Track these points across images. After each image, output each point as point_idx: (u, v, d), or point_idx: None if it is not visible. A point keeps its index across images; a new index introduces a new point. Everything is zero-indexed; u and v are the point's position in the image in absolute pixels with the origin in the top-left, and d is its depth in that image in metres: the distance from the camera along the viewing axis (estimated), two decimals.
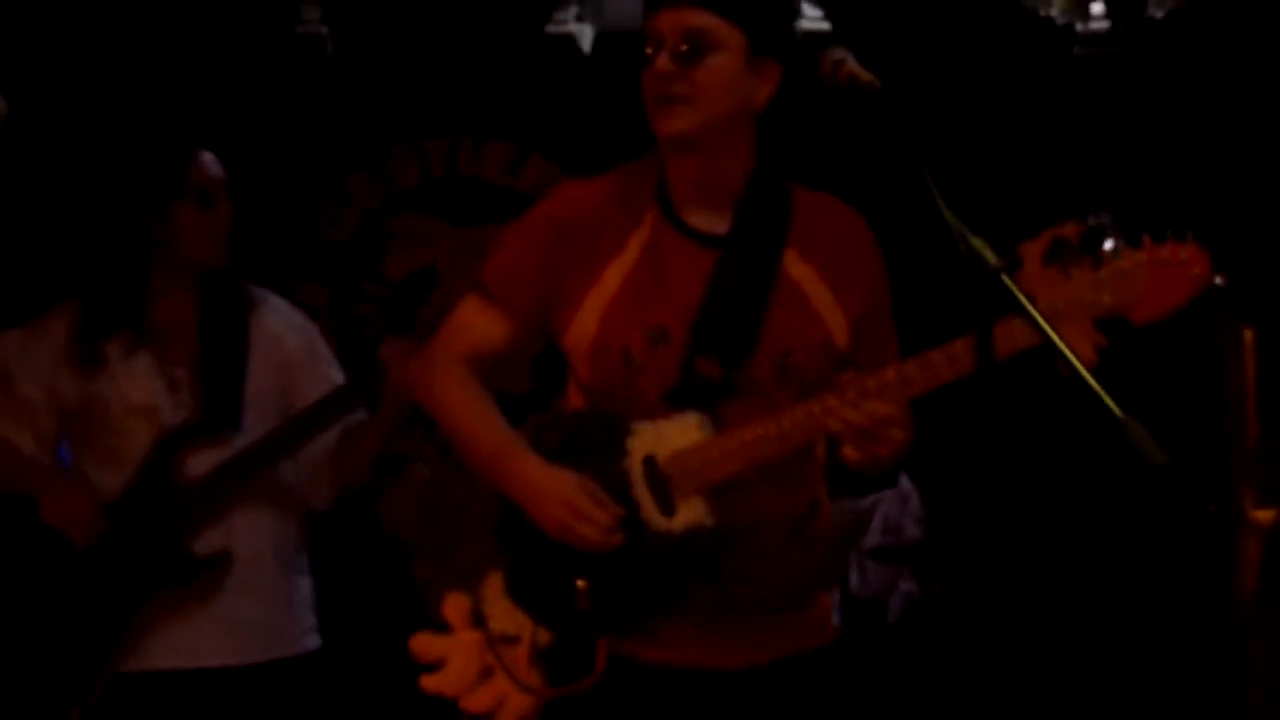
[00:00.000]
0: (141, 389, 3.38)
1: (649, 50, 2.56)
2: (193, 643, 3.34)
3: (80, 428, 3.42)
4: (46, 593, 3.35)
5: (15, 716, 3.32)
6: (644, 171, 2.69)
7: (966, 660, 4.55)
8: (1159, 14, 4.39)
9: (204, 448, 3.35)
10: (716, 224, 2.64)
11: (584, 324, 2.64)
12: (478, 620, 2.71)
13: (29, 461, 3.40)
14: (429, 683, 2.72)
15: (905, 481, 4.45)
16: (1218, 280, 2.40)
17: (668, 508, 2.56)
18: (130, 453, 3.36)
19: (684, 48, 2.53)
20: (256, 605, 3.38)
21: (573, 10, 4.56)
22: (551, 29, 4.55)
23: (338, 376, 3.49)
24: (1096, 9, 4.43)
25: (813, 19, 4.45)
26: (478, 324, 2.74)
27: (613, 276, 2.64)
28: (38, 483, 3.37)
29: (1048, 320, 2.22)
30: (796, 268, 2.64)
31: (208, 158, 3.40)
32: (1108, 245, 2.40)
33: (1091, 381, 2.05)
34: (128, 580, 3.33)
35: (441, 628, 2.73)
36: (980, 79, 4.68)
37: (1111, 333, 2.41)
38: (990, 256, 2.19)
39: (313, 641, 3.48)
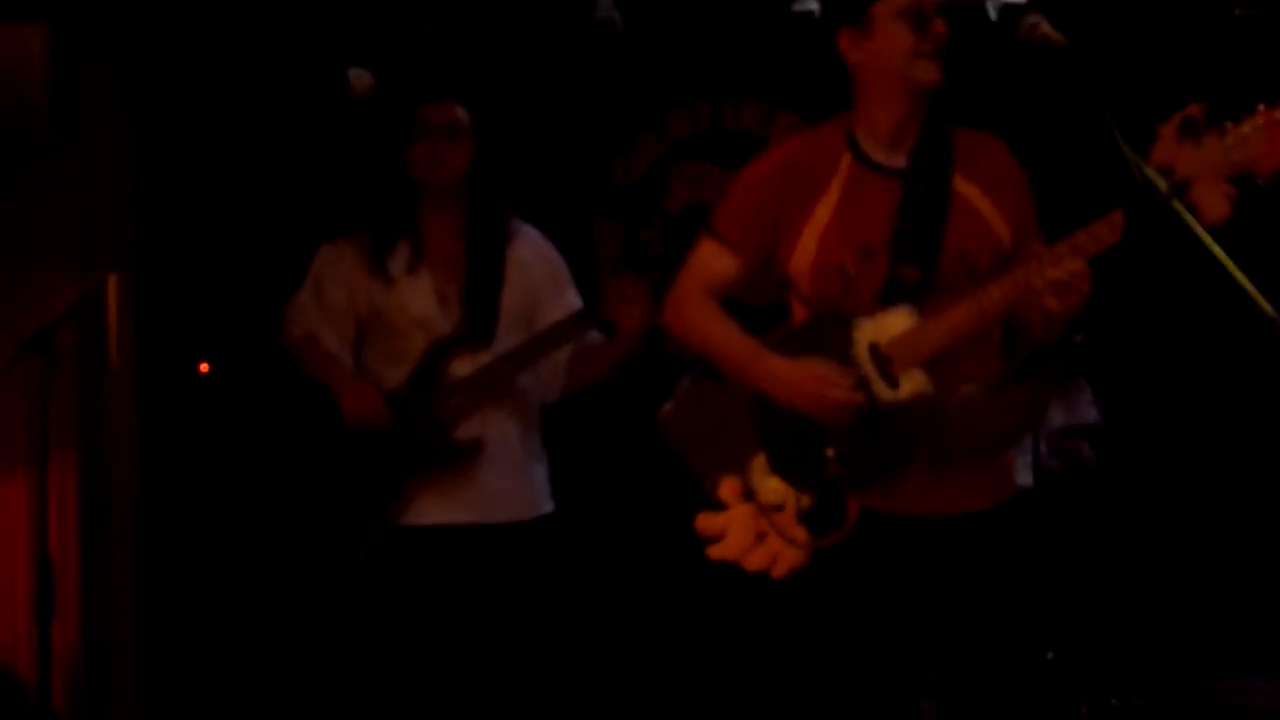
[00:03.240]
0: (420, 303, 3.66)
1: (908, 19, 2.81)
2: (453, 503, 3.63)
3: (371, 332, 3.71)
4: (344, 462, 3.67)
5: (320, 553, 3.70)
6: (832, 129, 2.94)
7: (1125, 528, 4.95)
8: None
9: (466, 354, 3.65)
10: (897, 160, 2.88)
11: (805, 249, 2.88)
12: (749, 496, 2.91)
13: (334, 359, 3.69)
14: (714, 552, 2.93)
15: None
16: None
17: (893, 383, 2.79)
18: (408, 354, 3.65)
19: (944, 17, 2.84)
20: (503, 477, 3.67)
21: None
22: (796, 7, 4.95)
23: (576, 302, 3.75)
24: None
25: None
26: (714, 261, 2.97)
27: (823, 211, 2.88)
28: (338, 378, 3.66)
29: (1189, 183, 2.50)
30: (964, 187, 2.88)
31: (438, 103, 3.67)
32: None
33: (1247, 283, 2.32)
34: (404, 456, 3.63)
35: (718, 507, 2.95)
36: (1152, 36, 4.93)
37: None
38: (1161, 183, 2.51)
39: (547, 506, 3.76)
